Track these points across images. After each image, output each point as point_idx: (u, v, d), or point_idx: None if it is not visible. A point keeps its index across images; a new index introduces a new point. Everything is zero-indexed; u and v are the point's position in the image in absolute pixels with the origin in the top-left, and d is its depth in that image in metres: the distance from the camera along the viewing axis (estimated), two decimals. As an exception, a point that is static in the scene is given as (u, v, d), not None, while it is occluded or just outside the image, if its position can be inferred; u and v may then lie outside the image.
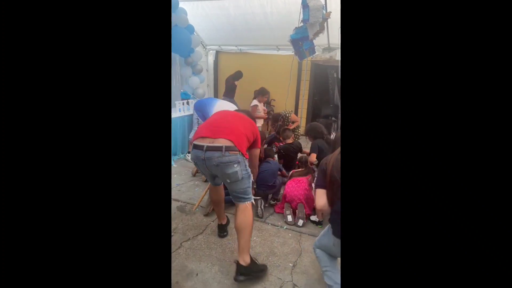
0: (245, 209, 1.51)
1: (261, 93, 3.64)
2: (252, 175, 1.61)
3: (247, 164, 1.55)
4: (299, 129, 3.84)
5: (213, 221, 2.09)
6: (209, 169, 1.51)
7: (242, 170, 1.49)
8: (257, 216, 2.19)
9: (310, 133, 2.74)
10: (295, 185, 2.23)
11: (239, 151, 1.48)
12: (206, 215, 2.19)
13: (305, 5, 2.18)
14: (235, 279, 1.45)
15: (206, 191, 2.36)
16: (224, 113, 1.81)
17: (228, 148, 1.44)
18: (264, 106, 3.77)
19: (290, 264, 1.66)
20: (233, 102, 3.92)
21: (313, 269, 1.63)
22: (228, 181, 1.50)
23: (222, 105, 3.23)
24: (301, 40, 2.34)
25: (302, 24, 2.32)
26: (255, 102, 3.66)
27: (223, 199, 1.86)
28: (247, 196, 1.54)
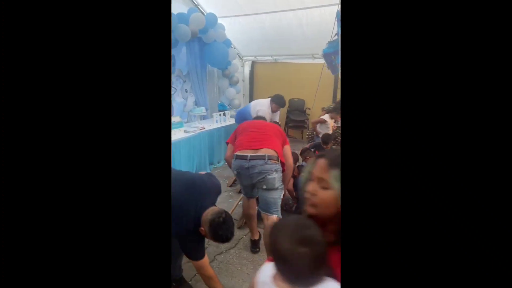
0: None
1: (335, 111, 3.31)
2: (284, 184, 1.77)
3: (281, 176, 1.69)
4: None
5: (245, 235, 2.15)
6: (251, 177, 1.65)
7: (279, 180, 1.64)
8: None
9: None
10: None
11: (278, 159, 1.65)
12: (239, 227, 2.26)
13: (339, 19, 2.14)
14: None
15: (237, 203, 2.44)
16: (255, 124, 1.95)
17: (269, 157, 1.61)
18: (335, 123, 3.38)
19: None
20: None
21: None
22: (264, 187, 1.63)
23: (256, 104, 3.31)
24: (334, 54, 2.30)
25: (335, 37, 2.28)
26: (326, 116, 3.44)
27: (255, 214, 1.92)
28: (276, 209, 1.64)
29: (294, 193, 2.54)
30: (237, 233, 2.20)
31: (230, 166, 1.84)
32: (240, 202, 2.70)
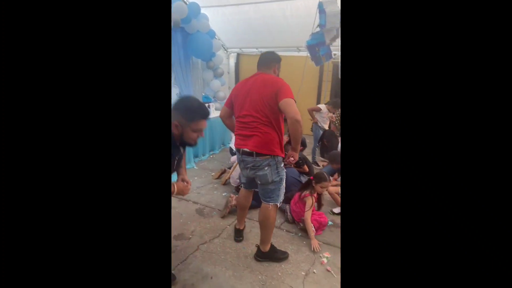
0: (266, 209, 1.67)
1: (333, 105, 3.57)
2: (284, 177, 1.67)
3: (279, 167, 1.62)
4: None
5: (229, 225, 2.16)
6: (245, 169, 1.68)
7: (273, 173, 1.60)
8: (288, 222, 2.23)
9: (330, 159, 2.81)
10: (297, 211, 2.13)
11: (270, 154, 1.57)
12: (223, 217, 2.27)
13: (321, 10, 2.16)
14: (255, 257, 1.78)
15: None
16: (243, 102, 1.62)
17: (258, 154, 1.56)
18: (335, 115, 3.64)
19: (303, 273, 1.68)
20: None
21: (325, 279, 1.63)
22: (259, 182, 1.66)
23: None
24: (318, 46, 2.31)
25: (318, 29, 2.30)
26: (322, 106, 3.64)
27: (249, 206, 1.95)
28: (270, 198, 1.66)
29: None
30: (221, 223, 2.21)
31: (225, 125, 1.84)
32: (224, 193, 2.72)
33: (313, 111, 3.60)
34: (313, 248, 1.85)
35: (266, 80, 1.57)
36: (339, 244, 1.97)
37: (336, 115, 3.65)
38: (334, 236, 2.08)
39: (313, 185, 2.09)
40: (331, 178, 2.67)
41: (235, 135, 1.72)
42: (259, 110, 1.54)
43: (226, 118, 1.79)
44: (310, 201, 2.02)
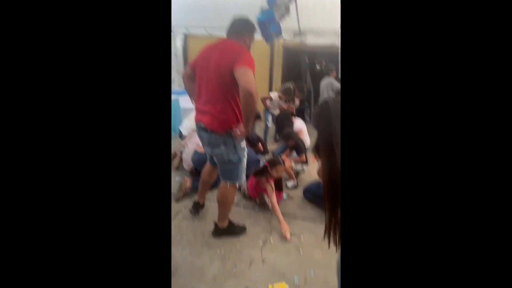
0: (224, 187, 1.63)
1: (284, 92, 3.49)
2: (243, 158, 1.57)
3: (238, 146, 1.50)
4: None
5: (184, 207, 2.08)
6: (204, 145, 1.62)
7: (229, 153, 1.49)
8: (244, 197, 2.25)
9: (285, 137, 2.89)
10: (253, 194, 2.19)
11: (228, 130, 1.45)
12: (177, 200, 2.17)
13: (270, -14, 2.15)
14: (212, 235, 1.75)
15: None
16: (205, 74, 1.46)
17: (212, 130, 1.47)
18: (289, 103, 3.53)
19: (260, 243, 1.72)
20: None
21: (281, 246, 1.70)
22: (215, 160, 1.59)
23: None
24: (268, 22, 2.31)
25: (267, 6, 2.29)
26: (273, 94, 3.59)
27: (212, 182, 1.89)
28: (227, 177, 1.60)
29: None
30: (176, 206, 2.11)
31: (184, 86, 1.69)
32: (178, 179, 2.60)
33: (265, 100, 3.62)
34: (284, 235, 1.77)
35: (226, 49, 1.39)
36: (294, 215, 2.07)
37: (296, 103, 3.69)
38: (289, 207, 2.18)
39: (269, 171, 2.10)
40: (282, 155, 2.77)
41: (195, 112, 1.61)
42: (215, 84, 1.39)
43: (187, 79, 1.63)
44: (269, 187, 2.02)
